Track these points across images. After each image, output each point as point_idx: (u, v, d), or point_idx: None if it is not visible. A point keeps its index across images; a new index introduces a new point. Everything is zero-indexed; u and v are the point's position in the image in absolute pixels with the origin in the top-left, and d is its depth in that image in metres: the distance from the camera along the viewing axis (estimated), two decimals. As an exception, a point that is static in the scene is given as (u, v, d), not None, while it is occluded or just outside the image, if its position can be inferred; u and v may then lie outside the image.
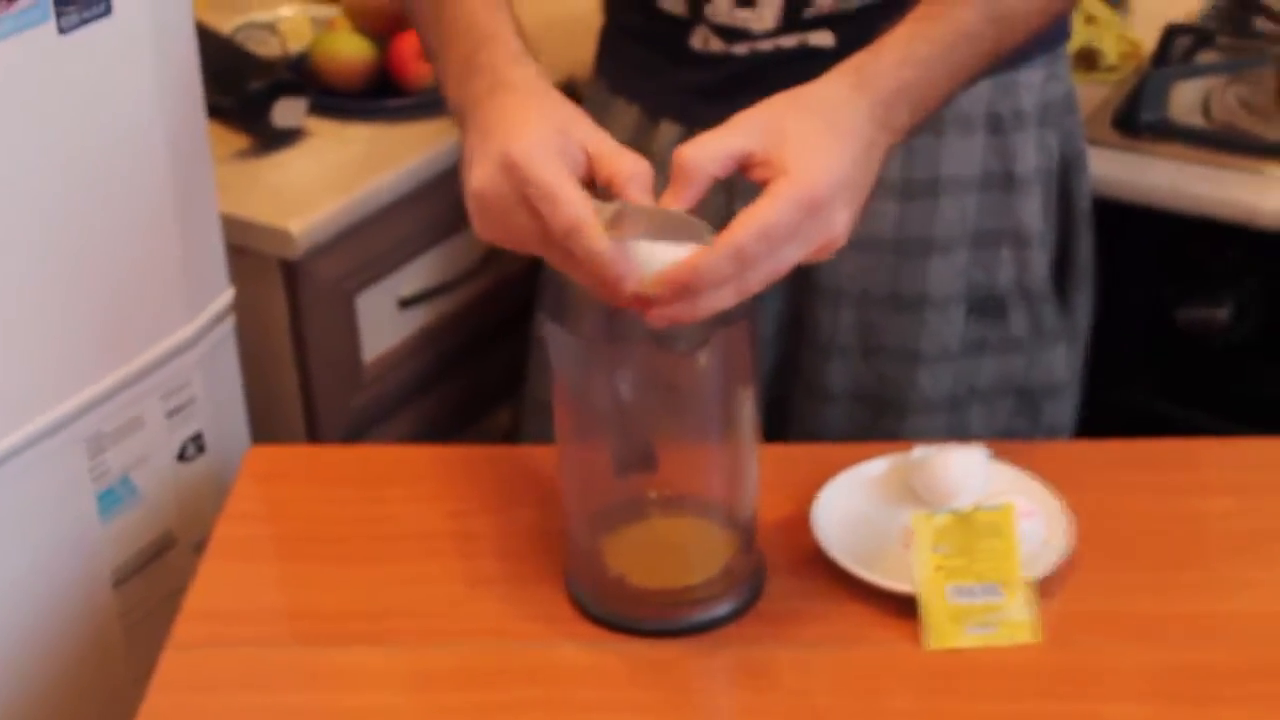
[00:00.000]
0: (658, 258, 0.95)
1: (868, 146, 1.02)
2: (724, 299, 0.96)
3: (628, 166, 0.99)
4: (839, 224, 0.99)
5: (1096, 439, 1.28)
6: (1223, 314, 1.67)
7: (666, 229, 0.96)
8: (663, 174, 1.34)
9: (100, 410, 1.34)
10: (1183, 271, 1.68)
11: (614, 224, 0.95)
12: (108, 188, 1.31)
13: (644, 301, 0.96)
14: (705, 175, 0.99)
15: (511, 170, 0.97)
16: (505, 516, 1.18)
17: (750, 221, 0.96)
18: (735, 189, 1.31)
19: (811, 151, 0.99)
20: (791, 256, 0.98)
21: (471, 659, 1.06)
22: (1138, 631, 1.07)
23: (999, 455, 1.17)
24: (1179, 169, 1.64)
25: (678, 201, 0.98)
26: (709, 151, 0.99)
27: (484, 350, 1.86)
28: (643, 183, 0.99)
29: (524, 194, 0.96)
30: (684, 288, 0.95)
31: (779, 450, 1.19)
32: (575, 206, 0.95)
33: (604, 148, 1.00)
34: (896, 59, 1.05)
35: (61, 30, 1.23)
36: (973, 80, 1.12)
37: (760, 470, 1.09)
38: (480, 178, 0.99)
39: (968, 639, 1.04)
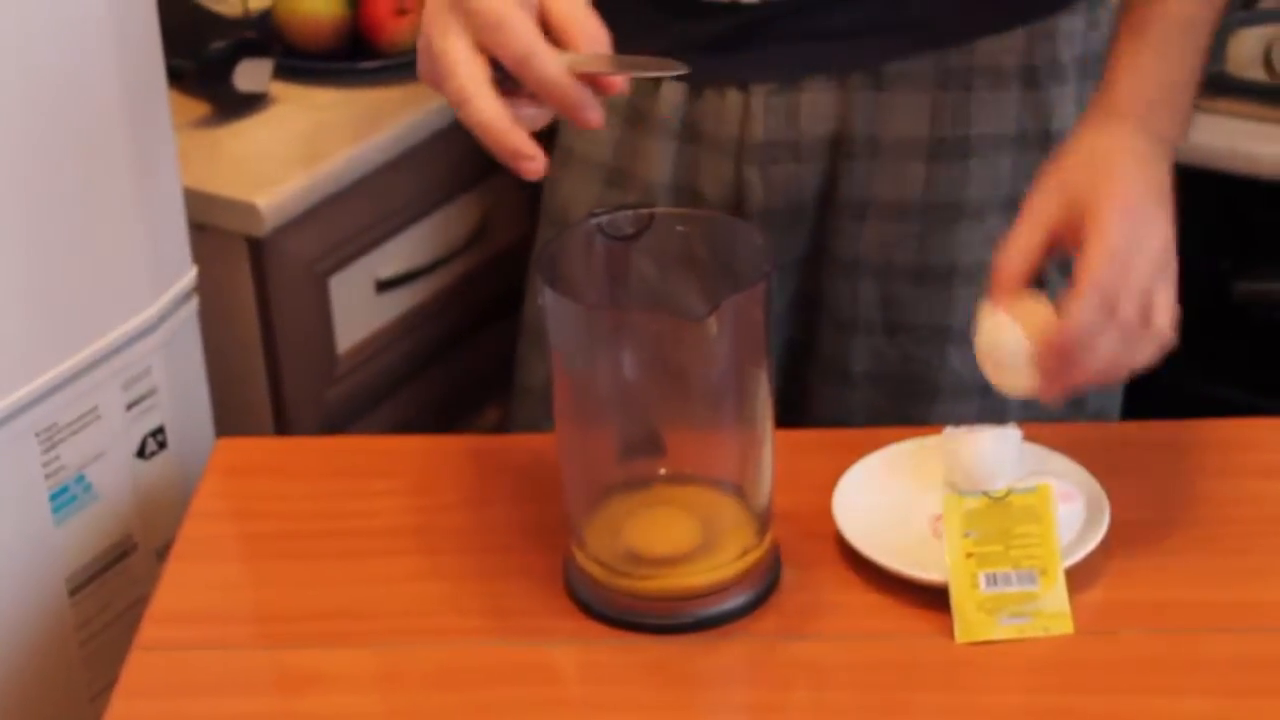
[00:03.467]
0: (1016, 342, 1.11)
1: (1147, 160, 1.15)
2: (1106, 346, 1.10)
3: (584, 33, 1.04)
4: (1160, 235, 1.12)
5: (1141, 422, 1.33)
6: (1285, 287, 1.70)
7: (623, 70, 1.04)
8: (664, 138, 1.39)
9: (54, 399, 1.39)
10: (1241, 240, 1.70)
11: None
12: (60, 156, 1.35)
13: None
14: (1021, 276, 1.13)
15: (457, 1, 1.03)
16: (494, 510, 1.23)
17: (1092, 251, 1.09)
18: (743, 153, 1.36)
19: (1104, 176, 1.13)
20: (1144, 269, 1.10)
21: (458, 659, 1.11)
22: (1184, 622, 1.11)
23: (1032, 438, 1.21)
24: (1236, 126, 1.67)
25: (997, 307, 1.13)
26: (1017, 250, 1.13)
27: (470, 338, 1.90)
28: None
29: (472, 24, 1.02)
30: (1067, 353, 1.09)
31: (795, 435, 1.23)
32: (528, 34, 1.02)
33: (564, 7, 1.04)
34: (1132, 85, 1.18)
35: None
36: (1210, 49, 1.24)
37: (775, 456, 1.13)
38: (428, 10, 1.05)
39: (1001, 630, 1.09)
